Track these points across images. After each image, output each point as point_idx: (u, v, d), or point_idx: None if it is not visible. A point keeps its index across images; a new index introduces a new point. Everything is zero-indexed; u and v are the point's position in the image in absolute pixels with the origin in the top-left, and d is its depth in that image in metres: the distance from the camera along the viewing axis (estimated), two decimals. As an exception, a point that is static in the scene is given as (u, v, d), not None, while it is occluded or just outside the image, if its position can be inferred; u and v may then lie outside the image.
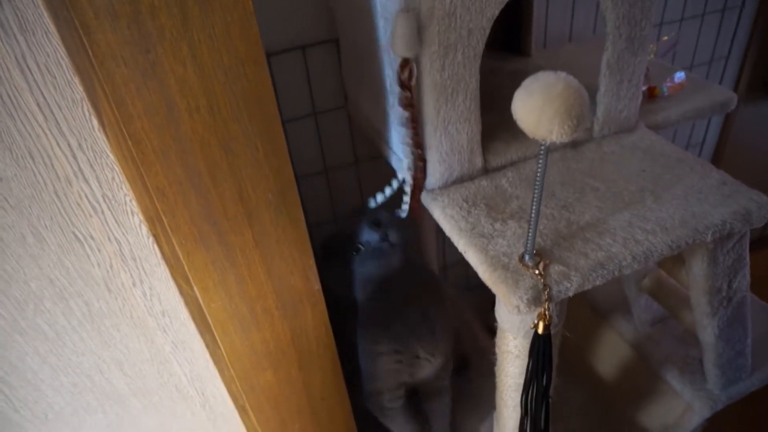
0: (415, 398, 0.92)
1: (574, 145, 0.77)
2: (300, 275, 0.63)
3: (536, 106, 0.45)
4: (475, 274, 0.61)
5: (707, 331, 0.78)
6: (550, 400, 0.63)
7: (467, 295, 1.31)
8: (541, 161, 0.52)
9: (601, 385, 1.04)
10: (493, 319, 0.68)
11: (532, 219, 0.55)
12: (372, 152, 1.03)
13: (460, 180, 0.72)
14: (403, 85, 0.62)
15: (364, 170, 1.06)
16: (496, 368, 0.72)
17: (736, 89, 1.41)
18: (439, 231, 1.11)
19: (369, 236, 0.74)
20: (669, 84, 0.87)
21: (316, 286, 0.65)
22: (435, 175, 0.71)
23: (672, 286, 0.95)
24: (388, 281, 0.76)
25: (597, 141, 0.78)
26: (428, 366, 0.83)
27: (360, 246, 0.75)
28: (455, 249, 0.68)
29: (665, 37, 1.02)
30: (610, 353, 1.07)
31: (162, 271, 0.57)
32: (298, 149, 0.97)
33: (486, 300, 1.21)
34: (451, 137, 0.68)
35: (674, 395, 0.95)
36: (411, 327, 0.79)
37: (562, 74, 0.46)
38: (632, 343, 1.04)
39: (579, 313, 1.14)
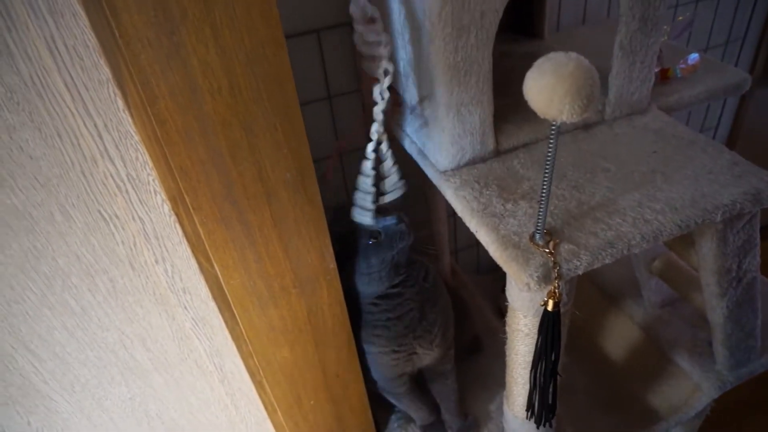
0: (423, 379, 0.94)
1: (585, 126, 0.78)
2: (317, 253, 0.64)
3: (547, 86, 0.46)
4: (486, 258, 0.62)
5: (717, 312, 0.79)
6: (558, 377, 0.64)
7: (478, 278, 1.32)
8: (552, 141, 0.52)
9: (610, 366, 1.06)
10: (504, 301, 0.70)
11: (543, 198, 0.56)
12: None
13: (472, 162, 0.73)
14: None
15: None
16: (507, 347, 0.74)
17: (751, 71, 1.40)
18: (450, 216, 1.13)
19: (384, 221, 0.73)
20: (682, 65, 0.87)
21: (332, 264, 0.66)
22: (447, 156, 0.72)
23: (682, 268, 0.96)
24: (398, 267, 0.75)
25: (609, 123, 0.79)
26: (427, 357, 0.84)
27: (379, 232, 0.75)
28: (466, 233, 0.69)
29: (680, 18, 1.02)
30: (620, 335, 1.08)
31: (183, 250, 0.59)
32: (312, 133, 0.98)
33: (496, 283, 1.22)
34: (463, 119, 0.69)
35: (683, 376, 0.96)
36: (410, 327, 0.78)
37: (573, 54, 0.46)
38: (642, 324, 1.05)
39: (589, 296, 1.15)
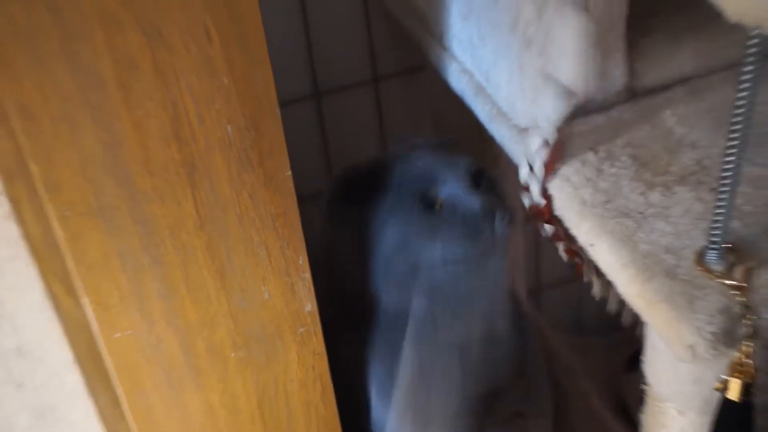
0: None
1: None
2: (279, 284, 0.65)
3: None
4: (599, 304, 0.62)
5: None
6: None
7: (580, 342, 1.33)
8: (749, 72, 0.52)
9: None
10: (635, 386, 0.69)
11: (726, 184, 0.56)
12: (410, 61, 1.06)
13: (584, 110, 0.74)
14: None
15: (391, 95, 1.09)
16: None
17: None
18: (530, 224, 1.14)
19: (458, 191, 0.79)
20: None
21: (308, 305, 0.67)
22: (535, 97, 0.72)
23: None
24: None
25: None
26: None
27: (439, 200, 0.79)
28: (559, 259, 0.70)
29: None
30: None
31: (21, 270, 0.60)
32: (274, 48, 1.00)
33: (616, 353, 1.22)
34: (567, 25, 0.69)
35: None
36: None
37: None
38: None
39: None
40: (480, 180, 0.82)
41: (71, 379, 0.65)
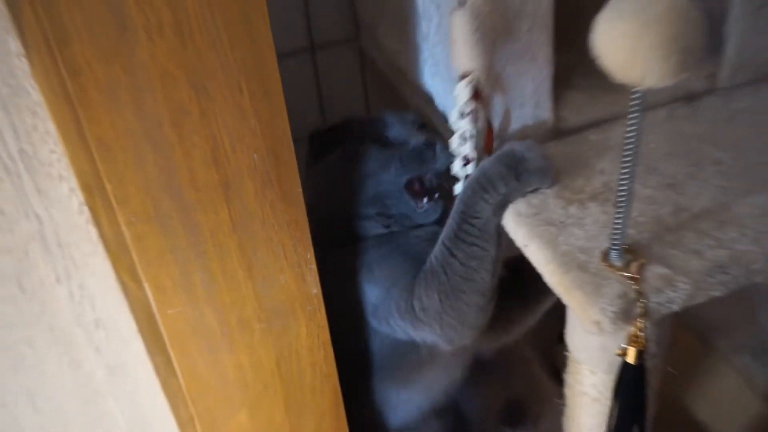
0: None
1: (688, 98, 0.80)
2: (292, 273, 0.66)
3: (627, 34, 0.47)
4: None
5: None
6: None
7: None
8: (634, 115, 0.53)
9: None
10: (561, 353, 0.71)
11: (622, 200, 0.57)
12: (394, 106, 1.03)
13: (521, 144, 0.74)
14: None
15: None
16: (565, 419, 0.75)
17: None
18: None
19: (406, 132, 0.80)
20: None
21: (314, 289, 0.68)
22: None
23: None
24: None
25: (723, 93, 0.80)
26: None
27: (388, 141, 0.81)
28: (509, 249, 0.71)
29: None
30: (732, 406, 1.09)
31: (98, 263, 0.60)
32: (287, 98, 1.00)
33: (549, 328, 1.23)
34: (509, 82, 0.70)
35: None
36: None
37: None
38: (767, 394, 1.06)
39: (687, 349, 1.16)
40: (423, 128, 0.83)
41: (135, 345, 0.66)
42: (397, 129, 0.82)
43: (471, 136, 0.71)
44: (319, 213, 0.72)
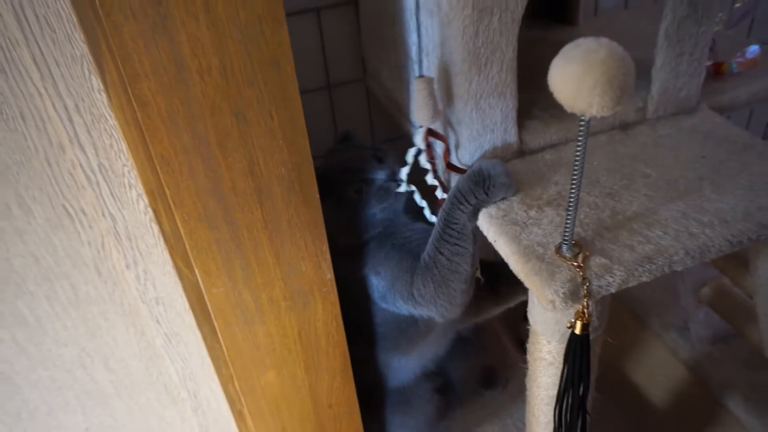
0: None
1: (623, 126, 0.81)
2: (311, 262, 0.66)
3: (575, 75, 0.48)
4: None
5: (775, 348, 0.80)
6: (588, 416, 0.65)
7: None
8: (581, 139, 0.55)
9: (648, 410, 1.07)
10: (525, 329, 0.71)
11: (571, 205, 0.58)
12: (393, 132, 1.06)
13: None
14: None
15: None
16: (527, 379, 0.75)
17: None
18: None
19: (374, 173, 0.79)
20: (740, 59, 0.88)
21: (329, 274, 0.68)
22: (463, 154, 0.75)
23: (737, 298, 0.96)
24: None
25: (651, 123, 0.81)
26: None
27: (362, 183, 0.80)
28: (483, 245, 0.71)
29: (738, 4, 1.03)
30: (661, 374, 1.09)
31: (159, 253, 0.62)
32: (310, 126, 1.01)
33: (516, 309, 1.24)
34: (483, 113, 0.71)
35: (737, 426, 0.97)
36: None
37: (605, 40, 0.48)
38: (688, 363, 1.07)
39: (625, 326, 1.16)
40: (383, 157, 0.84)
41: (187, 317, 0.67)
42: (367, 172, 0.83)
43: (426, 168, 0.77)
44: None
